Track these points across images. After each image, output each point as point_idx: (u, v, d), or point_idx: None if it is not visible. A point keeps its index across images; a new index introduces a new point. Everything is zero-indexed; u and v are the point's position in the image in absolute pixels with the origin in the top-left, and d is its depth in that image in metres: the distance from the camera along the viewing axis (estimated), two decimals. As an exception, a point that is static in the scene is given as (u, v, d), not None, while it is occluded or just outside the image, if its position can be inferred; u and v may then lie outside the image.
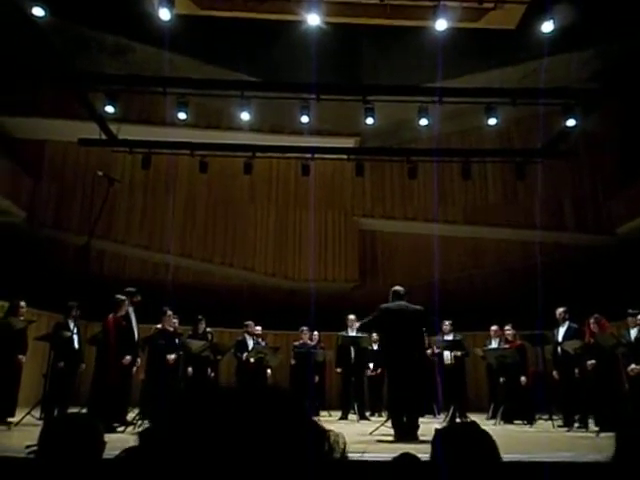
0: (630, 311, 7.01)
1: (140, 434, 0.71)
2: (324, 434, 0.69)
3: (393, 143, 12.95)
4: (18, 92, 11.61)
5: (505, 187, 13.27)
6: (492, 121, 9.51)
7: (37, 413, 6.77)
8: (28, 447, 3.78)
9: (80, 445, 1.75)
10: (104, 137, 10.38)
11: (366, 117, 9.54)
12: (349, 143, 12.82)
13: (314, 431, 0.68)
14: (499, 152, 12.16)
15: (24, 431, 5.65)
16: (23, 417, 6.39)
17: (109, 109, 9.13)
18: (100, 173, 5.26)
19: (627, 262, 11.18)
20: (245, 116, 9.69)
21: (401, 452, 2.30)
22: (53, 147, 13.02)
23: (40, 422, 6.54)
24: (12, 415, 6.43)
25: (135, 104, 11.62)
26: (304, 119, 9.68)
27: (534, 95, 10.11)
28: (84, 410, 6.91)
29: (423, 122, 9.76)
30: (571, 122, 9.27)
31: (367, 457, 3.91)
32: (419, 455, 3.89)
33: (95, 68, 10.97)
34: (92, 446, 1.79)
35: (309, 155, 11.08)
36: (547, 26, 8.09)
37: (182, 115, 9.58)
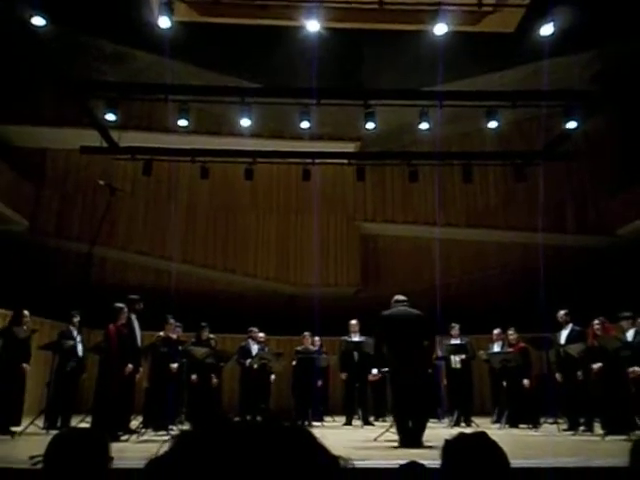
0: (625, 314, 6.98)
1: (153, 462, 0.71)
2: (335, 461, 0.70)
3: (394, 147, 12.96)
4: (19, 101, 11.65)
5: (506, 189, 13.26)
6: (493, 124, 9.51)
7: (41, 422, 6.77)
8: (32, 458, 3.78)
9: (87, 458, 1.74)
10: (105, 145, 10.41)
11: (367, 121, 9.55)
12: (350, 148, 12.84)
13: (325, 460, 0.68)
14: (500, 155, 12.17)
15: (28, 441, 5.65)
16: (27, 427, 6.39)
17: (110, 117, 9.15)
18: (102, 182, 5.27)
19: (628, 264, 11.17)
20: (245, 122, 9.70)
21: (407, 459, 2.29)
22: (55, 155, 13.04)
23: (44, 431, 6.54)
24: (18, 424, 6.44)
25: (136, 111, 11.64)
26: (304, 124, 9.69)
27: (534, 97, 10.12)
28: (88, 418, 6.92)
29: (424, 126, 9.77)
30: (572, 124, 9.27)
31: (372, 464, 3.90)
32: (425, 461, 3.87)
33: (95, 76, 11.01)
34: (99, 459, 1.78)
35: (310, 160, 11.10)
36: (546, 29, 8.10)
37: (183, 122, 9.60)
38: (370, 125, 9.55)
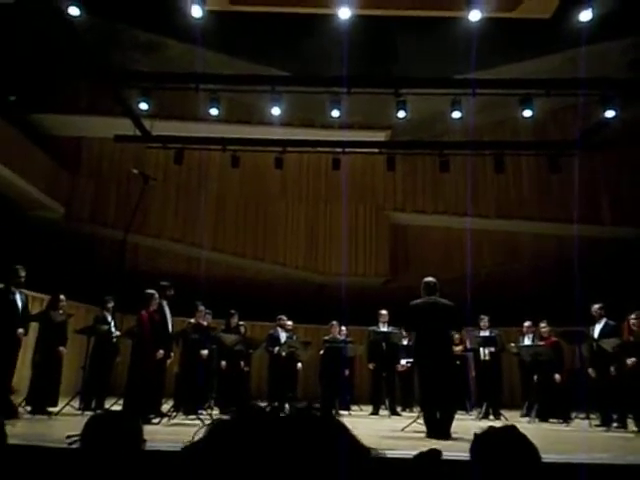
0: None
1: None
2: (367, 451, 0.71)
3: (425, 136, 12.81)
4: (55, 90, 11.90)
5: (540, 180, 12.99)
6: (527, 113, 9.29)
7: (76, 403, 6.98)
8: (69, 437, 3.90)
9: (121, 440, 1.79)
10: (138, 133, 10.56)
11: (398, 110, 9.44)
12: (380, 136, 12.74)
13: (357, 450, 0.69)
14: (534, 145, 11.91)
15: (64, 421, 5.83)
16: (62, 407, 6.60)
17: (143, 106, 9.26)
18: (135, 171, 5.34)
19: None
20: (276, 111, 9.70)
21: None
22: (89, 143, 13.33)
23: (79, 412, 6.75)
24: (55, 405, 6.65)
25: (168, 100, 11.76)
26: (335, 113, 9.64)
27: (571, 85, 9.84)
28: (121, 401, 7.11)
29: (456, 115, 9.60)
30: (610, 113, 9.00)
31: (399, 454, 3.90)
32: (452, 453, 3.86)
33: (129, 65, 11.17)
34: (132, 441, 1.83)
35: (340, 149, 11.05)
36: (585, 15, 7.85)
37: (214, 111, 9.66)
38: (401, 114, 9.44)
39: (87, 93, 12.18)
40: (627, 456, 4.14)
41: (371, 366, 8.87)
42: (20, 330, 6.09)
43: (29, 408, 6.48)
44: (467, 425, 6.53)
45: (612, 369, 6.97)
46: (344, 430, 0.71)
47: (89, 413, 6.08)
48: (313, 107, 11.51)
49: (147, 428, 2.12)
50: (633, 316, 6.87)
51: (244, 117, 12.58)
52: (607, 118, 9.20)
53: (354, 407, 9.19)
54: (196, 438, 0.71)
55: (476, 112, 10.73)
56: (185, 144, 10.88)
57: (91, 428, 1.80)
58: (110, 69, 9.91)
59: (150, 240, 13.16)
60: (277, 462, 0.65)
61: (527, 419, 7.92)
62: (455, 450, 3.82)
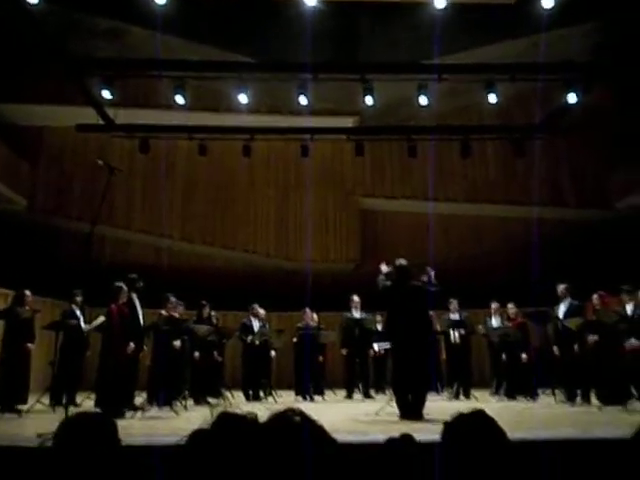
0: (625, 287, 7.04)
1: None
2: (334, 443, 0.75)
3: (392, 121, 12.86)
4: (14, 79, 11.50)
5: (505, 164, 13.22)
6: (492, 98, 9.40)
7: (46, 400, 6.87)
8: (40, 436, 3.85)
9: (97, 437, 1.78)
10: (102, 122, 10.32)
11: (365, 96, 9.45)
12: (348, 122, 12.74)
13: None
14: (498, 129, 12.09)
15: (35, 419, 5.74)
16: (33, 405, 6.50)
17: (106, 94, 9.05)
18: (100, 162, 5.22)
19: (627, 237, 11.20)
20: (243, 98, 9.60)
21: (407, 432, 2.32)
22: (51, 133, 12.94)
23: (50, 408, 6.65)
24: (25, 402, 6.53)
25: (131, 88, 11.49)
26: (302, 100, 9.59)
27: (534, 70, 9.99)
28: (92, 395, 7.03)
29: (422, 100, 9.66)
30: (572, 97, 9.19)
31: (371, 439, 3.96)
32: (424, 434, 3.95)
33: (91, 53, 10.85)
34: (108, 439, 1.82)
35: (308, 136, 11.02)
36: (548, 1, 7.95)
37: (179, 98, 9.50)
38: (368, 100, 9.46)
39: (48, 81, 11.76)
40: (592, 430, 4.30)
41: (344, 352, 8.96)
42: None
43: (-3, 407, 6.34)
44: (439, 406, 6.68)
45: (576, 347, 7.20)
46: (316, 430, 0.74)
47: (60, 409, 6.00)
48: (280, 94, 11.43)
49: (121, 422, 2.11)
50: (596, 296, 7.10)
51: (211, 104, 12.39)
52: (569, 102, 9.39)
53: (328, 392, 9.28)
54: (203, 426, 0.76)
55: (442, 97, 10.82)
56: (150, 133, 10.69)
57: (65, 428, 1.79)
58: (72, 57, 9.61)
59: (117, 232, 12.93)
60: (255, 466, 0.67)
61: (496, 397, 8.14)
62: (428, 432, 3.92)
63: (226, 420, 0.74)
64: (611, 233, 11.72)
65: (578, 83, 9.20)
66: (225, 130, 11.16)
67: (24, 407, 6.42)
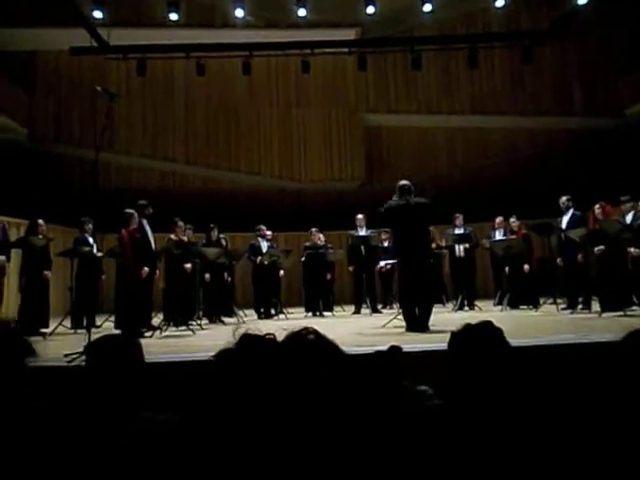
0: (622, 198, 7.05)
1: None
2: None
3: (395, 32, 12.37)
4: (2, 1, 10.99)
5: (512, 74, 12.81)
6: (499, 2, 9.00)
7: (67, 323, 7.18)
8: (66, 355, 4.07)
9: (124, 355, 1.90)
10: (95, 44, 10.00)
11: (366, 5, 9.06)
12: (350, 35, 12.26)
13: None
14: (506, 36, 11.62)
15: (59, 340, 6.03)
16: (55, 328, 6.79)
17: (97, 14, 8.72)
18: (99, 89, 5.12)
19: (635, 145, 11.05)
20: (239, 12, 9.23)
21: (414, 343, 2.43)
22: (44, 58, 12.56)
23: (71, 331, 6.96)
24: (46, 326, 6.82)
25: (124, 6, 11.02)
26: (301, 12, 9.21)
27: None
28: (111, 317, 7.33)
29: (426, 8, 9.27)
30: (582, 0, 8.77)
31: (380, 349, 4.15)
32: (430, 344, 4.13)
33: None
34: (134, 357, 1.96)
35: (309, 50, 10.67)
36: None
37: (174, 16, 9.16)
38: (370, 9, 9.08)
39: (37, 2, 11.28)
40: (590, 335, 4.47)
41: (351, 269, 9.16)
42: (1, 257, 6.14)
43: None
44: (444, 317, 6.93)
45: (580, 257, 7.33)
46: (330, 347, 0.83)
47: (81, 331, 6.28)
48: (278, 6, 10.95)
49: (141, 342, 2.24)
50: (597, 206, 7.12)
51: (206, 20, 11.93)
52: (578, 5, 8.96)
53: (337, 308, 9.59)
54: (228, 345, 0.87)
55: (447, 4, 10.33)
56: (146, 53, 10.37)
57: (94, 349, 1.91)
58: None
59: (120, 158, 12.84)
60: (275, 380, 0.77)
61: (499, 307, 8.39)
62: (434, 342, 4.11)
63: (248, 340, 0.83)
64: (619, 141, 11.54)
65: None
66: (223, 47, 10.80)
67: (47, 330, 6.72)
